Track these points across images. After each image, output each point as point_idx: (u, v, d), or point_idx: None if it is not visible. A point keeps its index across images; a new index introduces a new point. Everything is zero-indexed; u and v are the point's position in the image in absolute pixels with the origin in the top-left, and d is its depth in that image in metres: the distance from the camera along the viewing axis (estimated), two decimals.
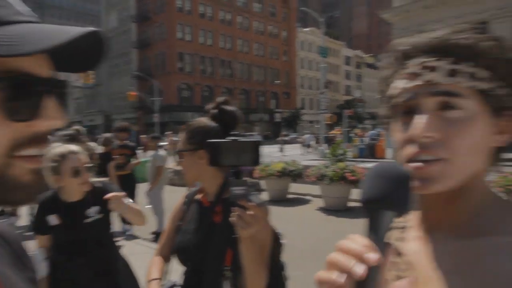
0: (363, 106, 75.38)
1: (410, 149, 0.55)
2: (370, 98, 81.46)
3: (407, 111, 0.56)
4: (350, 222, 6.82)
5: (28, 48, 0.39)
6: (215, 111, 1.43)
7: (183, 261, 1.41)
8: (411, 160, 0.54)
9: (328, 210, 7.63)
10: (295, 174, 8.59)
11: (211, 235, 1.35)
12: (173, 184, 11.19)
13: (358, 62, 79.89)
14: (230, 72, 50.14)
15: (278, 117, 54.60)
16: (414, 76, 0.56)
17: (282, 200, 8.64)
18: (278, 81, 55.23)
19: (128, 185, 6.21)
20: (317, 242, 5.60)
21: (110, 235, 2.11)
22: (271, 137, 42.47)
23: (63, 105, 0.49)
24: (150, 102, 38.28)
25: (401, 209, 0.51)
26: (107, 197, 1.69)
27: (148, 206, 6.51)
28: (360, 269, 0.49)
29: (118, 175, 6.04)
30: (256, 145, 1.10)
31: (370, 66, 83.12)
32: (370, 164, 11.18)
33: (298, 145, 28.42)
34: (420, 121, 0.53)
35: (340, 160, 7.93)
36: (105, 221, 2.00)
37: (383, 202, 0.50)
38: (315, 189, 8.50)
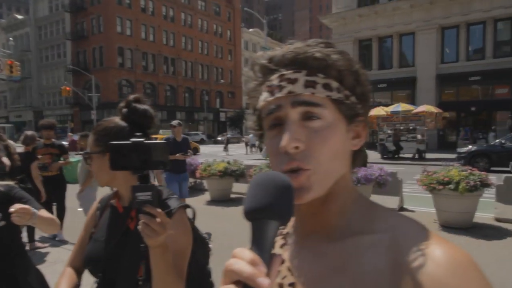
0: None
1: (282, 160, 0.56)
2: None
3: (274, 123, 0.59)
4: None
5: None
6: (126, 110, 1.34)
7: (93, 272, 1.29)
8: (284, 171, 0.55)
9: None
10: (237, 174, 8.58)
11: (125, 243, 1.25)
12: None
13: None
14: (173, 70, 48.87)
15: (223, 117, 54.43)
16: (276, 88, 0.58)
17: (225, 200, 8.58)
18: (223, 80, 55.06)
19: (57, 186, 5.77)
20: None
21: (18, 245, 1.89)
22: (214, 137, 42.21)
23: None
24: (87, 98, 36.02)
25: (285, 217, 0.49)
26: (10, 211, 1.49)
27: (80, 209, 6.08)
28: None
29: (45, 176, 5.56)
30: (161, 148, 1.03)
31: None
32: None
33: (242, 145, 28.55)
34: (286, 132, 0.55)
35: None
36: (9, 229, 1.76)
37: (266, 211, 0.47)
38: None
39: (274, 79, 0.59)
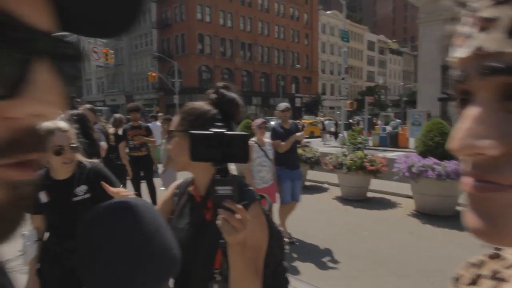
0: (386, 93, 73.71)
1: (466, 164, 0.33)
2: (393, 85, 79.47)
3: (464, 98, 0.34)
4: (368, 213, 6.63)
5: None
6: (214, 95, 1.32)
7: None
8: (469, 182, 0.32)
9: (346, 199, 7.45)
10: (312, 161, 8.41)
11: (202, 234, 1.23)
12: None
13: (381, 47, 77.58)
14: (250, 55, 49.58)
15: (298, 102, 54.01)
16: (463, 39, 0.33)
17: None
18: (299, 65, 54.35)
19: (144, 166, 6.21)
20: (332, 232, 5.48)
21: None
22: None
23: (65, 82, 0.30)
24: (171, 84, 38.43)
25: None
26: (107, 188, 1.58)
27: (162, 188, 6.52)
28: None
29: (134, 156, 6.03)
30: (243, 140, 0.96)
31: (394, 52, 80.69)
32: (391, 154, 10.94)
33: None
34: (463, 123, 0.32)
35: (359, 149, 7.69)
36: (94, 201, 1.91)
37: None
38: (333, 177, 8.31)
39: (466, 20, 0.33)
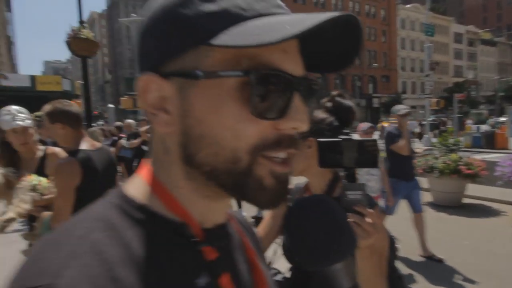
0: (477, 89, 66.76)
1: None
2: (486, 80, 71.68)
3: None
4: (466, 221, 6.07)
5: (273, 36, 0.36)
6: (330, 104, 1.35)
7: (290, 259, 1.33)
8: None
9: (438, 206, 6.94)
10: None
11: None
12: None
13: (470, 39, 70.51)
14: None
15: (376, 103, 51.65)
16: None
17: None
18: (376, 64, 51.97)
19: None
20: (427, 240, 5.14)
21: None
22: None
23: (310, 107, 0.46)
24: None
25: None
26: None
27: None
28: None
29: None
30: (372, 145, 0.99)
31: (487, 42, 72.74)
32: (488, 156, 9.90)
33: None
34: None
35: (452, 151, 7.10)
36: None
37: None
38: (422, 182, 7.78)
39: None
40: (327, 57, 0.48)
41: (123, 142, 8.68)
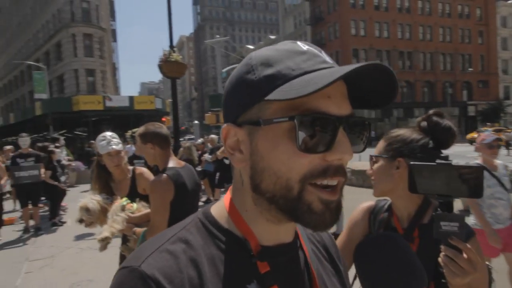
0: None
1: None
2: None
3: None
4: None
5: (308, 89, 0.47)
6: (425, 124, 1.26)
7: None
8: None
9: None
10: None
11: None
12: (351, 184, 11.04)
13: None
14: (410, 64, 45.93)
15: (472, 111, 46.70)
16: None
17: None
18: (471, 69, 47.10)
19: None
20: None
21: None
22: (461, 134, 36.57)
23: (358, 141, 0.57)
24: None
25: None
26: None
27: None
28: None
29: None
30: (477, 173, 0.88)
31: None
32: None
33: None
34: None
35: None
36: None
37: None
38: None
39: None
40: (373, 97, 0.58)
41: (207, 156, 9.20)
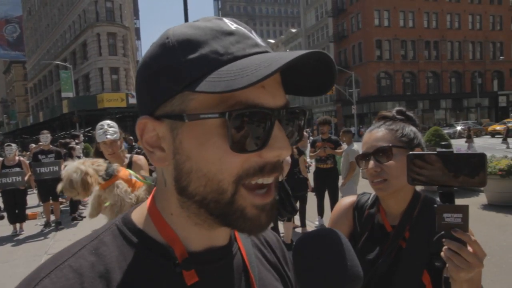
0: None
1: None
2: None
3: None
4: None
5: (242, 82, 0.41)
6: (400, 116, 1.22)
7: None
8: None
9: None
10: None
11: (395, 265, 1.10)
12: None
13: None
14: (436, 54, 44.34)
15: (503, 101, 44.64)
16: None
17: (509, 205, 6.91)
18: (502, 57, 44.93)
19: (329, 179, 6.23)
20: None
21: None
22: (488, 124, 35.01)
23: (292, 133, 0.50)
24: (348, 94, 38.35)
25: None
26: None
27: None
28: None
29: (320, 168, 6.25)
30: (479, 160, 0.85)
31: None
32: None
33: None
34: None
35: None
36: None
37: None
38: None
39: None
40: (309, 84, 0.52)
41: None
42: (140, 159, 2.93)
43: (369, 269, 1.12)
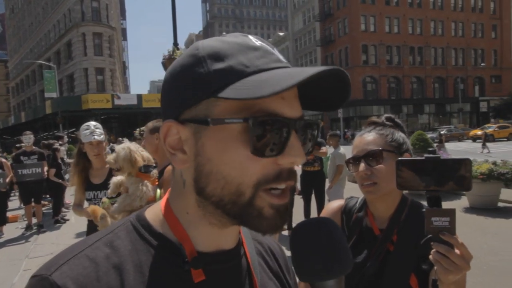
0: None
1: None
2: None
3: None
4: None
5: (266, 91, 0.43)
6: (390, 122, 1.24)
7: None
8: None
9: None
10: (507, 178, 6.90)
11: (382, 268, 1.11)
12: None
13: None
14: (420, 60, 45.22)
15: (484, 107, 45.80)
16: None
17: (489, 208, 7.10)
18: (484, 64, 46.14)
19: (316, 181, 6.23)
20: None
21: None
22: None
23: (306, 142, 0.54)
24: None
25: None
26: None
27: None
28: None
29: (306, 170, 6.20)
30: (464, 165, 0.87)
31: None
32: None
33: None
34: None
35: None
36: None
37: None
38: None
39: None
40: (326, 100, 0.56)
41: None
42: None
43: (358, 272, 1.14)
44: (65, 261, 0.49)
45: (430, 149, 0.95)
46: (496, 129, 30.03)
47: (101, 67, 38.35)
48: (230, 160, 0.48)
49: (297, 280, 0.65)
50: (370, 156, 1.15)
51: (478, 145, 22.41)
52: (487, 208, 7.11)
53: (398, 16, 44.00)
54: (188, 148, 0.51)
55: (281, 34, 64.79)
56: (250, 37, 0.53)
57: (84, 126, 2.77)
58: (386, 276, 1.10)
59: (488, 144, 20.32)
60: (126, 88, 65.29)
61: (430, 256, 0.85)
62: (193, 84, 0.50)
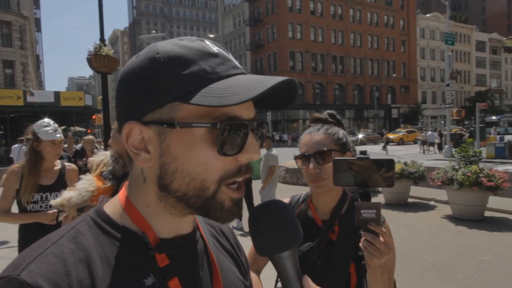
0: (501, 98, 64.84)
1: None
2: (511, 88, 69.56)
3: None
4: (488, 235, 5.84)
5: (234, 99, 0.48)
6: (333, 119, 1.36)
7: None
8: None
9: (458, 219, 6.71)
10: (416, 177, 7.81)
11: (327, 255, 1.23)
12: (285, 182, 11.37)
13: (494, 47, 68.77)
14: (342, 68, 48.65)
15: (395, 113, 50.83)
16: None
17: (401, 204, 7.96)
18: (395, 75, 51.27)
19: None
20: (444, 256, 4.96)
21: None
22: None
23: (260, 140, 0.60)
24: None
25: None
26: None
27: None
28: None
29: None
30: (389, 165, 0.99)
31: (511, 50, 70.70)
32: None
33: (415, 144, 25.97)
34: None
35: (472, 162, 6.88)
36: None
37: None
38: (441, 194, 7.58)
39: None
40: (275, 100, 0.61)
41: None
42: (73, 168, 2.71)
43: (302, 258, 1.24)
44: (31, 260, 0.49)
45: (362, 150, 1.08)
46: (405, 133, 33.66)
47: (11, 60, 34.36)
48: (196, 159, 0.52)
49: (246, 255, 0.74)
50: (319, 155, 1.26)
51: (390, 147, 24.85)
52: (399, 204, 7.97)
53: (322, 26, 46.76)
54: (152, 148, 0.54)
55: (212, 36, 64.57)
56: (207, 41, 0.57)
57: (42, 123, 2.51)
58: (330, 264, 1.20)
59: (399, 147, 22.86)
60: (40, 84, 59.41)
61: (360, 243, 0.98)
62: (156, 88, 0.52)
